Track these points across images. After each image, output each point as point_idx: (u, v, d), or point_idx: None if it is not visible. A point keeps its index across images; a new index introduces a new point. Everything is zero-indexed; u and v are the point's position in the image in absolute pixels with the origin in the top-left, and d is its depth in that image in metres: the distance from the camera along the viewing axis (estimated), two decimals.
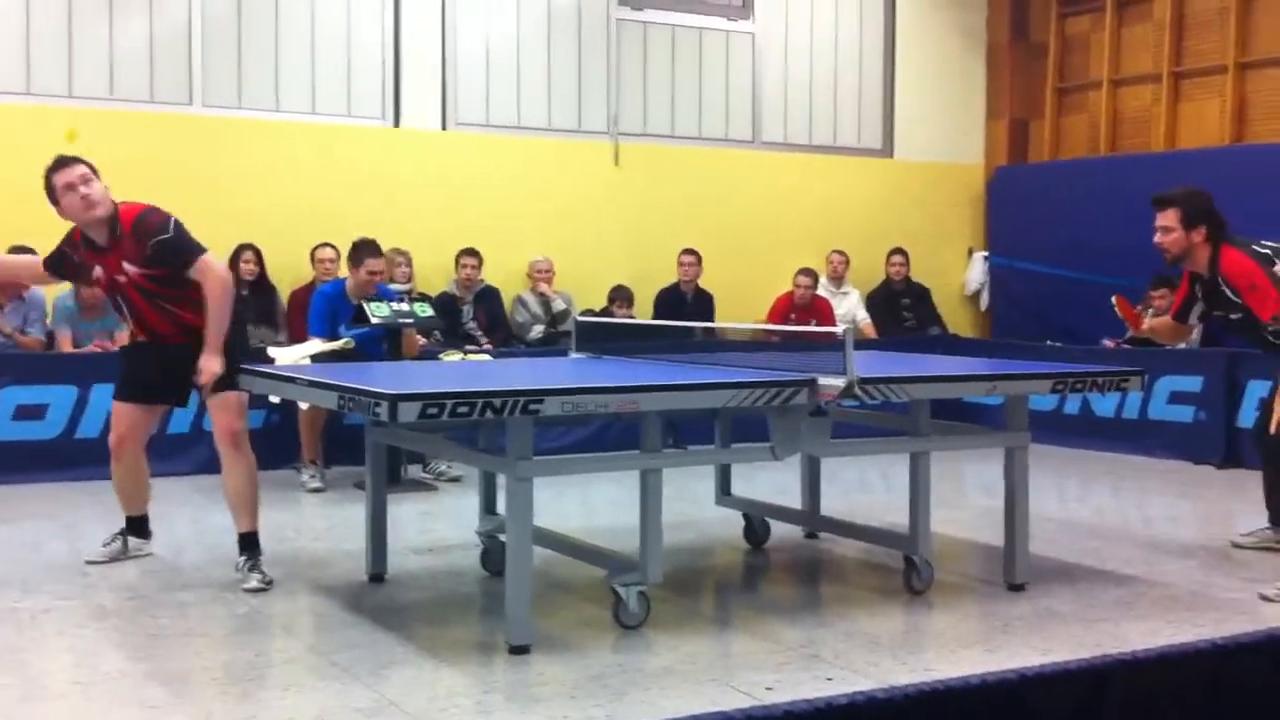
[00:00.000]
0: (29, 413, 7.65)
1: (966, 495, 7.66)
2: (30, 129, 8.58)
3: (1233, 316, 5.71)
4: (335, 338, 7.62)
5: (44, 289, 8.18)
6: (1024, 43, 11.89)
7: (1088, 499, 7.79)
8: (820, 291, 10.60)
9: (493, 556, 5.38)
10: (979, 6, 11.93)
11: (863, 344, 7.77)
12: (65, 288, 8.14)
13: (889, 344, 9.45)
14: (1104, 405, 9.35)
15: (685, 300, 10.08)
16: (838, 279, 10.90)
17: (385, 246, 9.17)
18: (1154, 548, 6.10)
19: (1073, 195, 10.96)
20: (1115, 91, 11.22)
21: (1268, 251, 5.62)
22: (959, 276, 11.87)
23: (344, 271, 8.15)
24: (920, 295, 11.20)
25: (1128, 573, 5.49)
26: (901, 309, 11.06)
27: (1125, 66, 11.17)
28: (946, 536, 6.08)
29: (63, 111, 8.68)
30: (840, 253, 10.88)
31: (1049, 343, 10.35)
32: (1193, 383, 8.96)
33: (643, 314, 9.90)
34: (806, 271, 10.35)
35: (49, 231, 8.32)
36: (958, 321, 11.60)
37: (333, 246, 8.85)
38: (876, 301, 11.04)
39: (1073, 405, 9.44)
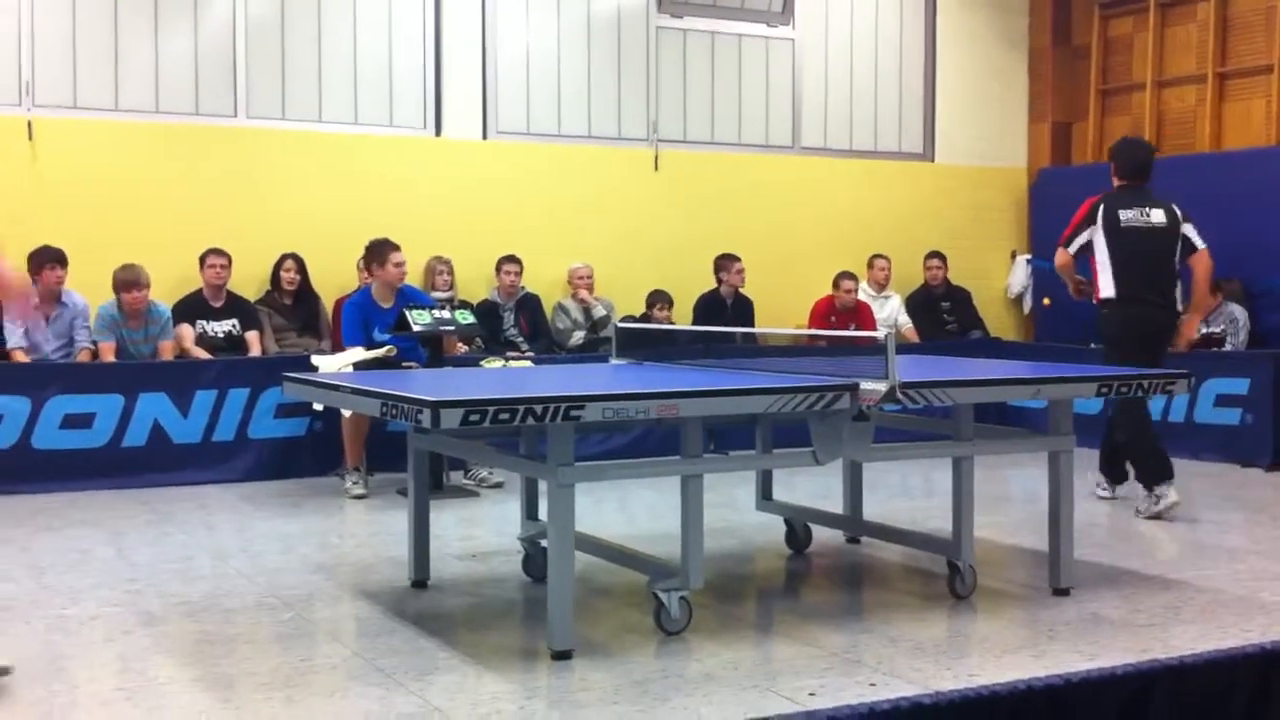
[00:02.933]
0: (76, 421, 7.73)
1: (1010, 500, 7.60)
2: (78, 143, 8.70)
3: None
4: (372, 344, 7.66)
5: (84, 296, 8.25)
6: (1066, 45, 11.80)
7: (1134, 503, 7.70)
8: (860, 296, 10.56)
9: (534, 562, 5.40)
10: (1020, 9, 11.86)
11: (904, 348, 7.73)
12: (108, 295, 8.23)
13: (931, 348, 9.39)
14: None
15: (725, 306, 10.08)
16: (880, 285, 10.86)
17: (427, 255, 9.25)
18: (1201, 552, 6.04)
19: None
20: (1159, 93, 11.12)
21: (1130, 217, 6.96)
22: (1002, 280, 11.79)
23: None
24: (961, 299, 11.14)
25: (1175, 577, 5.44)
26: (942, 312, 11.00)
27: (1169, 68, 11.07)
28: (990, 541, 6.05)
29: (109, 125, 8.80)
30: (883, 258, 10.82)
31: (1093, 345, 10.24)
32: (1240, 385, 8.86)
33: (681, 319, 9.90)
34: (849, 275, 10.31)
35: (99, 242, 8.46)
36: (1001, 325, 11.53)
37: None
38: (915, 305, 10.99)
39: None
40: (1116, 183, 7.13)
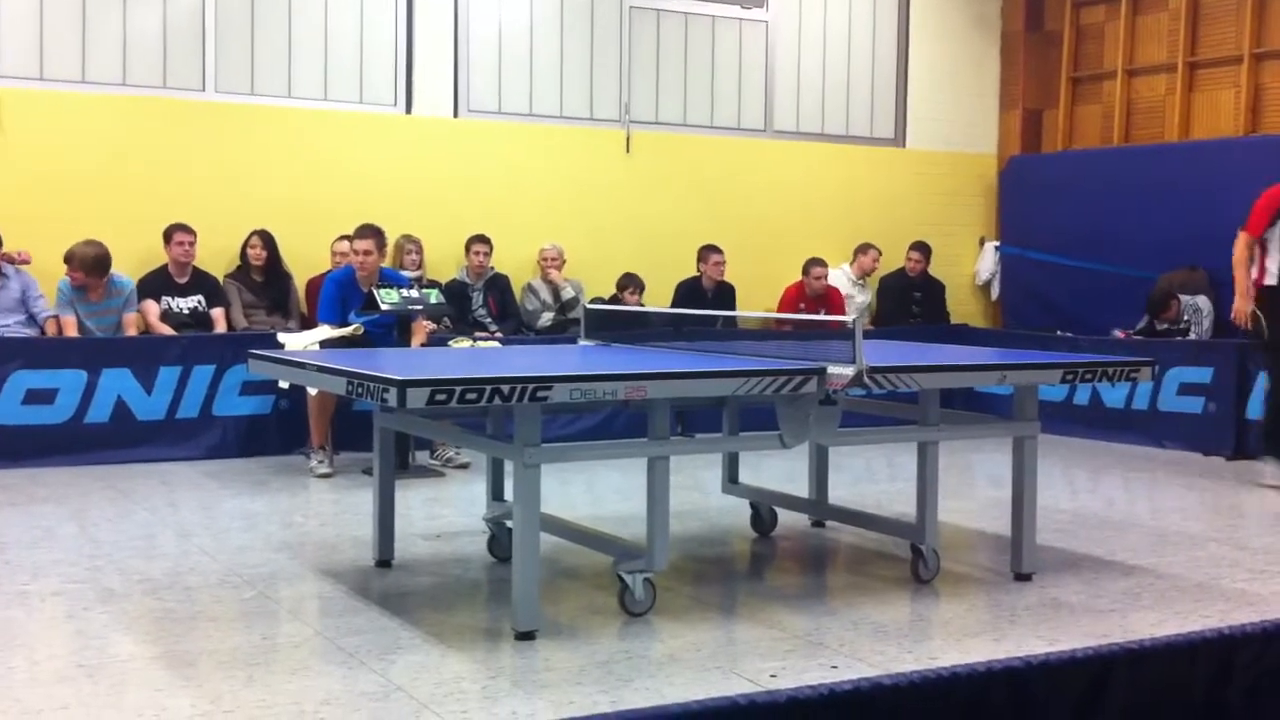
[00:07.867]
0: (38, 397, 7.66)
1: (975, 485, 7.64)
2: (44, 115, 8.60)
3: None
4: (345, 324, 7.62)
5: (28, 270, 8.16)
6: (1038, 32, 11.84)
7: (1097, 490, 7.78)
8: (842, 282, 10.58)
9: (500, 543, 5.39)
10: None
11: (870, 333, 7.77)
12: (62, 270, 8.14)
13: (899, 334, 9.43)
14: (1114, 396, 9.33)
15: (705, 295, 9.98)
16: (867, 273, 10.87)
17: (396, 233, 9.19)
18: (1162, 539, 6.09)
19: (1086, 185, 10.93)
20: (1129, 81, 11.17)
21: None
22: (970, 266, 11.84)
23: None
24: (935, 290, 11.15)
25: (1135, 564, 5.48)
26: (911, 302, 11.02)
27: (1140, 56, 11.12)
28: (954, 526, 6.08)
29: (76, 97, 8.70)
30: (874, 248, 10.79)
31: (1059, 333, 10.32)
32: (1203, 374, 8.93)
33: (652, 302, 9.87)
34: (819, 262, 10.30)
35: (64, 216, 8.38)
36: (968, 311, 11.59)
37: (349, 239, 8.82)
38: (887, 291, 11.00)
39: (1083, 395, 9.43)
40: None
